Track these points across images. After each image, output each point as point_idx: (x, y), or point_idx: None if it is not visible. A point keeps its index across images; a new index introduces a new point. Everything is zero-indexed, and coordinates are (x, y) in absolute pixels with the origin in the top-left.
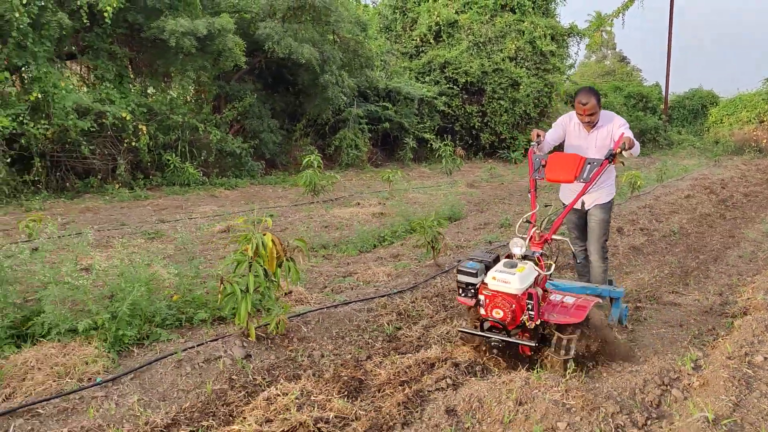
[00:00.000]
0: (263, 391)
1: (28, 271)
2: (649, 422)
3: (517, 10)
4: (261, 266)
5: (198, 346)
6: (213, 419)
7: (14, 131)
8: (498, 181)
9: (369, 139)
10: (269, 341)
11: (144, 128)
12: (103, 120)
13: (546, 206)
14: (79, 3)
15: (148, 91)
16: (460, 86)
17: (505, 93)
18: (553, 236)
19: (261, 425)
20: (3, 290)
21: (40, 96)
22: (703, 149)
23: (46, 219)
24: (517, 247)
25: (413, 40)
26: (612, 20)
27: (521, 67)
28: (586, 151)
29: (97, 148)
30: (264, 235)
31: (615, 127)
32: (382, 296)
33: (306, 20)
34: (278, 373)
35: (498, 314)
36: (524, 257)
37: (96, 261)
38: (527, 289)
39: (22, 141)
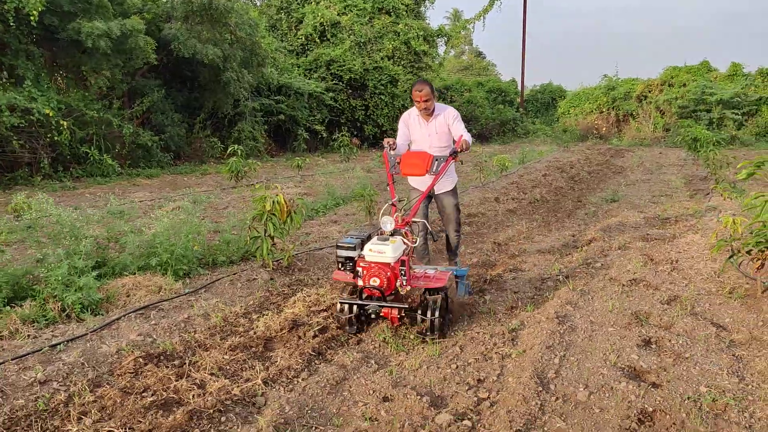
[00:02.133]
0: (293, 295)
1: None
2: (535, 296)
3: (392, 13)
4: (276, 217)
5: (239, 272)
6: (269, 310)
7: None
8: None
9: (264, 131)
10: (281, 270)
11: (65, 123)
12: (30, 116)
13: (400, 200)
14: (6, 7)
15: (62, 88)
16: (345, 82)
17: (385, 89)
18: (413, 219)
19: (306, 308)
20: (84, 242)
21: None
22: (554, 137)
23: (32, 202)
24: (388, 224)
25: (299, 38)
26: (474, 23)
27: (398, 65)
28: (429, 139)
29: (25, 143)
30: (277, 195)
31: (449, 117)
32: None
33: (205, 21)
34: (296, 287)
35: (375, 282)
36: (393, 233)
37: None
38: (400, 258)
39: None
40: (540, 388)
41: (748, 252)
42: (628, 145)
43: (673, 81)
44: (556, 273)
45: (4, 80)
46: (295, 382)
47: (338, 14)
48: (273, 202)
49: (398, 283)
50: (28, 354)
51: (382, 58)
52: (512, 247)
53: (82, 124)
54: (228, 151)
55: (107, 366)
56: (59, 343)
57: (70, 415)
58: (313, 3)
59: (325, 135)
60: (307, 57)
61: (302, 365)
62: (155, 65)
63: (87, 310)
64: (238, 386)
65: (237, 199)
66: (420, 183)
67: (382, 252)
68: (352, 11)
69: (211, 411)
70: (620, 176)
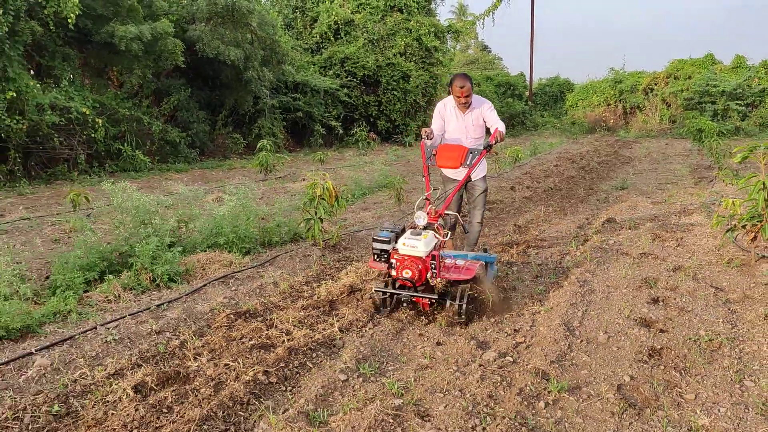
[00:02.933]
0: (344, 268)
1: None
2: (556, 267)
3: (404, 11)
4: (326, 201)
5: (295, 250)
6: (326, 280)
7: None
8: (405, 160)
9: (283, 127)
10: (329, 248)
11: (100, 121)
12: (69, 115)
13: (435, 189)
14: (46, 12)
15: (92, 87)
16: (359, 79)
17: (397, 84)
18: (445, 211)
19: (359, 277)
20: (170, 222)
21: (15, 94)
22: (563, 129)
23: (83, 194)
24: (421, 219)
25: (314, 37)
26: (483, 19)
27: (410, 62)
28: (466, 130)
29: (63, 140)
30: (326, 182)
31: (485, 110)
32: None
33: (228, 22)
34: (345, 262)
35: (407, 274)
36: (426, 227)
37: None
38: (431, 252)
39: (0, 135)
40: (567, 333)
41: (743, 226)
42: (635, 136)
43: (679, 74)
44: (573, 249)
45: (40, 81)
46: (364, 331)
47: (352, 12)
48: (323, 188)
49: (429, 275)
50: (140, 311)
51: (394, 55)
52: (532, 229)
53: (114, 121)
54: (258, 146)
55: (205, 321)
56: (162, 304)
57: (186, 355)
58: (327, 2)
59: (340, 131)
60: (322, 55)
61: (366, 319)
62: (179, 65)
63: (176, 280)
64: (319, 333)
65: (269, 191)
66: (455, 173)
67: (414, 247)
68: (365, 9)
69: (304, 349)
70: (628, 166)
